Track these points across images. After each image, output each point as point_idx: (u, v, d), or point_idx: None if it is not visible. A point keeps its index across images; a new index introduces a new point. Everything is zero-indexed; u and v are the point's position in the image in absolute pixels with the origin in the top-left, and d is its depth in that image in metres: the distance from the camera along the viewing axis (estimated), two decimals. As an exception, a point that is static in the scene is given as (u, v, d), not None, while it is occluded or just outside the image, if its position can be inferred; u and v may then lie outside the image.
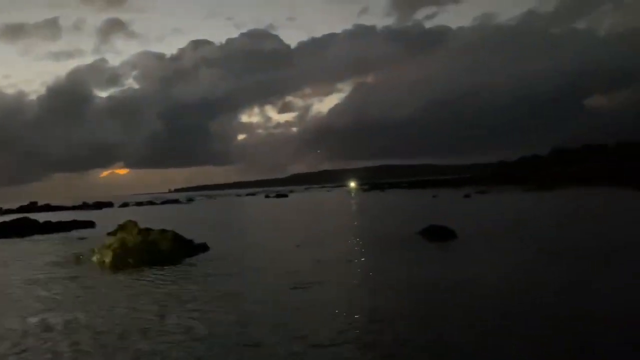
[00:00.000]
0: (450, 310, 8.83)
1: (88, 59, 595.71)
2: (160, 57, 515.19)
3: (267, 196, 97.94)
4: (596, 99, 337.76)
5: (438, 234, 18.65)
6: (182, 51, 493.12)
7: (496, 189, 67.31)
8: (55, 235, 28.88)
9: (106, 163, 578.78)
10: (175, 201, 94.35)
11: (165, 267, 14.98)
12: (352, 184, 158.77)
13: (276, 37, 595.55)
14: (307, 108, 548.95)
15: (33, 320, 9.40)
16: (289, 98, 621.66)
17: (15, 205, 73.82)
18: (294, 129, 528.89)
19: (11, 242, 26.05)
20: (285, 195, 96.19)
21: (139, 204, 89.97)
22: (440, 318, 8.42)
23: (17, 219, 32.19)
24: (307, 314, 9.00)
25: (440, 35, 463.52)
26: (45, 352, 7.52)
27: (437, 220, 20.69)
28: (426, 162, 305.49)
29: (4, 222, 30.76)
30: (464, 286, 10.65)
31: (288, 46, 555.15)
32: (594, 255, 13.42)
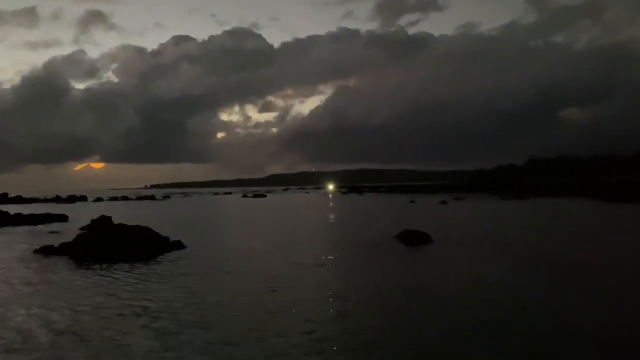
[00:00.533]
0: (423, 313, 8.84)
1: (66, 50, 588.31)
2: (141, 51, 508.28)
3: (245, 196, 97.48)
4: (572, 112, 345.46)
5: (414, 239, 18.79)
6: (163, 46, 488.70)
7: (473, 196, 68.28)
8: (26, 228, 28.22)
9: (82, 156, 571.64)
10: (151, 198, 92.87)
11: (137, 264, 14.68)
12: (331, 187, 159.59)
13: (259, 37, 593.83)
14: (288, 109, 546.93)
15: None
16: (270, 98, 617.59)
17: (-15, 197, 71.87)
18: (274, 130, 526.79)
19: (-21, 234, 25.28)
20: (264, 196, 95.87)
21: (114, 199, 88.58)
22: (412, 320, 8.42)
23: (-14, 211, 31.38)
24: (280, 318, 8.89)
25: (423, 42, 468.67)
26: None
27: (414, 226, 20.85)
28: (405, 167, 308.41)
29: (-28, 213, 29.97)
30: (438, 289, 10.70)
31: (271, 46, 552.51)
32: (568, 263, 13.65)
